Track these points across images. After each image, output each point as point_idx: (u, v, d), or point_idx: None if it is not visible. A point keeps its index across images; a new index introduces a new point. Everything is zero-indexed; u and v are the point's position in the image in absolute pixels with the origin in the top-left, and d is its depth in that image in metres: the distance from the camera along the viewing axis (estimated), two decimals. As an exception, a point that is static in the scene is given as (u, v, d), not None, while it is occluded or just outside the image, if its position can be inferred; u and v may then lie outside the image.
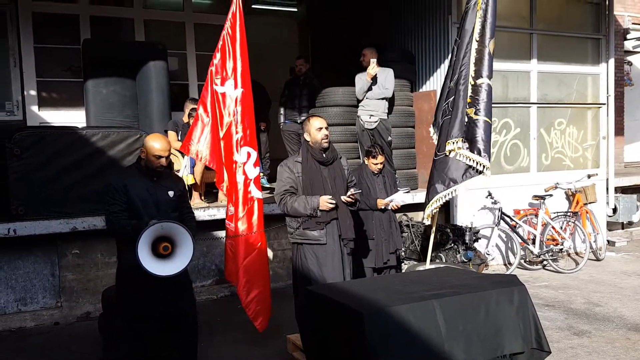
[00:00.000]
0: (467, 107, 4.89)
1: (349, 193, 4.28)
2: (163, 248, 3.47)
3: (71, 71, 7.95)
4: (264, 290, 4.83)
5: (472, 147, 4.84)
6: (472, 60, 4.92)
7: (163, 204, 3.68)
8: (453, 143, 4.89)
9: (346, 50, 7.84)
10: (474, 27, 4.95)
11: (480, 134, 4.82)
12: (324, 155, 4.35)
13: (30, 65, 7.68)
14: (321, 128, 4.30)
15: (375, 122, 6.91)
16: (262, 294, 4.81)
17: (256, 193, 4.76)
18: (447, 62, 7.40)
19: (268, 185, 7.92)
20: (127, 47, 7.61)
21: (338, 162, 4.47)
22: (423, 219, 5.12)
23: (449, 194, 5.01)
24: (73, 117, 7.51)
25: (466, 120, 4.90)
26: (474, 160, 4.84)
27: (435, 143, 5.22)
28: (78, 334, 5.35)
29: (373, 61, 6.72)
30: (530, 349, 3.62)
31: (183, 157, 6.33)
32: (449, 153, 4.91)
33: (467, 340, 3.37)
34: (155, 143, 3.68)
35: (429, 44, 7.80)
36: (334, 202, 4.16)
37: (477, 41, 4.92)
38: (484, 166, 4.83)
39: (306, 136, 4.40)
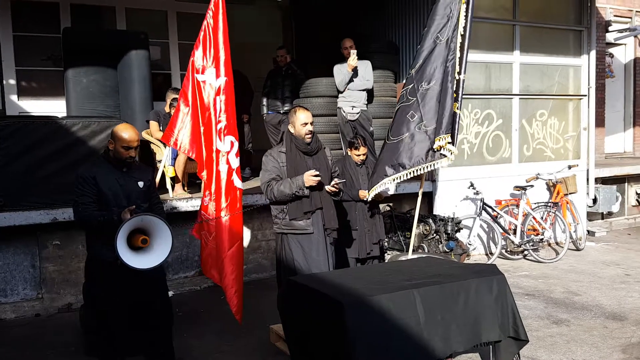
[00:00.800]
0: (454, 102, 4.94)
1: (332, 182, 4.30)
2: (142, 241, 3.45)
3: (51, 60, 7.83)
4: (241, 283, 4.78)
5: (453, 139, 4.89)
6: (458, 55, 4.95)
7: (134, 195, 3.66)
8: (443, 139, 4.92)
9: (330, 41, 7.81)
10: (457, 22, 4.97)
11: (456, 126, 4.91)
12: (308, 146, 4.36)
13: (9, 54, 7.55)
14: (306, 123, 4.31)
15: (357, 113, 6.93)
16: (241, 288, 4.77)
17: (238, 183, 4.73)
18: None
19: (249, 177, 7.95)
20: (108, 35, 7.51)
21: (322, 152, 4.50)
22: (367, 198, 5.13)
23: (397, 178, 5.06)
24: (53, 107, 7.42)
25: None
26: (447, 149, 4.92)
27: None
28: (59, 326, 5.32)
29: (353, 52, 6.72)
30: (507, 337, 3.67)
31: (165, 147, 6.28)
32: (440, 149, 4.95)
33: (446, 329, 3.41)
34: (124, 133, 3.63)
35: (413, 35, 7.81)
36: (318, 174, 4.16)
37: (461, 35, 4.94)
38: (450, 151, 4.90)
39: (290, 127, 4.40)
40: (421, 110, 5.07)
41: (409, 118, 5.10)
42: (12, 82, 7.60)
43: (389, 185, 5.25)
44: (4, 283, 5.61)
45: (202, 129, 4.83)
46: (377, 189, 5.08)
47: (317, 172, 4.18)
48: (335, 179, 4.36)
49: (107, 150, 3.72)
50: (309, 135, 4.34)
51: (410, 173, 5.03)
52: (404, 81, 5.31)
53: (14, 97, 7.62)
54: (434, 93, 5.01)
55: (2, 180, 5.39)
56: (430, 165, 4.99)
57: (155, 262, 3.51)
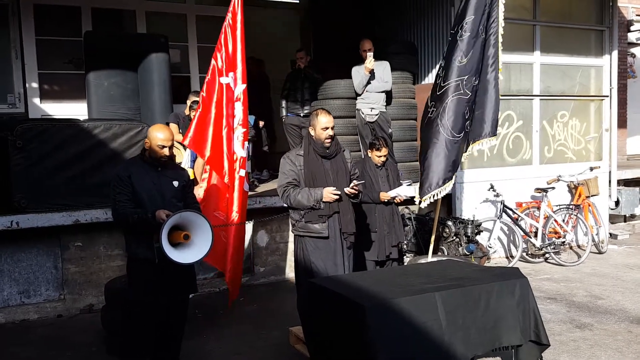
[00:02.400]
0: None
1: (352, 184, 4.27)
2: (184, 236, 3.50)
3: (73, 63, 7.92)
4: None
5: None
6: (499, 54, 5.03)
7: (168, 194, 3.71)
8: (485, 143, 5.18)
9: (348, 42, 7.81)
10: (497, 21, 5.00)
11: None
12: (326, 150, 4.34)
13: (32, 57, 7.65)
14: (327, 128, 4.27)
15: (376, 114, 6.91)
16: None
17: (246, 186, 5.11)
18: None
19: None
20: (129, 39, 7.57)
21: (341, 155, 4.45)
22: (420, 202, 5.22)
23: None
24: (75, 110, 7.49)
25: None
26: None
27: (447, 123, 5.13)
28: (81, 326, 5.38)
29: (370, 54, 6.70)
30: (528, 341, 3.62)
31: (185, 150, 6.32)
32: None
33: (467, 332, 3.38)
34: (159, 133, 3.72)
35: (431, 36, 7.77)
36: (338, 193, 4.15)
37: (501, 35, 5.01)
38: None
39: (310, 130, 4.37)
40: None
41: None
42: (35, 85, 7.71)
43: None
44: (27, 284, 5.69)
45: (222, 131, 4.95)
46: (429, 198, 5.19)
47: (338, 192, 4.15)
48: (354, 181, 4.34)
49: (144, 150, 3.79)
50: (329, 140, 4.30)
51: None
52: (436, 80, 5.33)
53: (37, 100, 7.73)
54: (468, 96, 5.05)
55: (25, 183, 5.46)
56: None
57: (199, 256, 3.59)
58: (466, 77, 5.05)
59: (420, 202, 5.27)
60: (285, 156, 4.46)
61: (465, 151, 5.26)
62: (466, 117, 5.11)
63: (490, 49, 5.09)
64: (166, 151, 3.72)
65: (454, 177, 5.18)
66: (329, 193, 4.13)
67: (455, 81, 5.07)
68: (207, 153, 4.97)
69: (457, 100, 5.07)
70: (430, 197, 5.17)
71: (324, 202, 4.16)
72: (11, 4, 7.59)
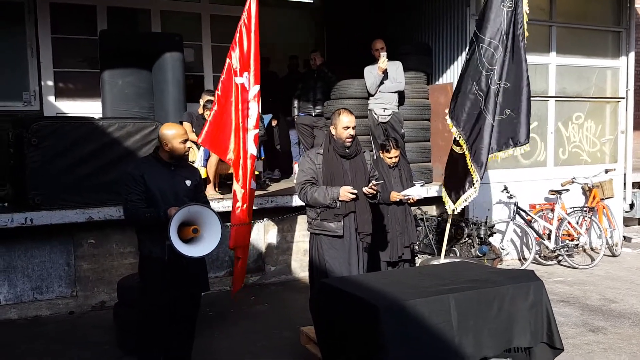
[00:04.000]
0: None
1: (370, 184, 4.26)
2: (193, 230, 3.51)
3: (88, 62, 7.97)
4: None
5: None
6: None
7: (181, 193, 3.72)
8: (518, 150, 5.24)
9: (362, 43, 7.80)
10: (523, 25, 5.05)
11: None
12: (346, 150, 4.33)
13: (47, 55, 7.72)
14: (348, 127, 4.27)
15: (389, 115, 6.89)
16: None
17: (253, 185, 5.19)
18: (464, 54, 7.33)
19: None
20: (144, 38, 7.61)
21: (361, 155, 4.43)
22: (452, 209, 5.39)
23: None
24: (89, 108, 7.55)
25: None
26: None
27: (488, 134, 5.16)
28: (93, 323, 5.41)
29: (383, 54, 6.67)
30: (540, 343, 3.58)
31: (198, 149, 6.35)
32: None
33: (478, 334, 3.35)
34: (177, 129, 3.76)
35: (446, 37, 7.73)
36: (355, 192, 4.14)
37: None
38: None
39: (332, 129, 4.37)
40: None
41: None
42: (50, 83, 7.77)
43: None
44: (40, 280, 5.73)
45: (239, 130, 5.01)
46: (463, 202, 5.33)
47: (355, 191, 4.15)
48: (373, 181, 4.32)
49: (156, 150, 3.80)
50: (350, 140, 4.29)
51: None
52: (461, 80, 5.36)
53: (52, 98, 7.79)
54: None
55: (39, 180, 5.50)
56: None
57: (208, 250, 3.58)
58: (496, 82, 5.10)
59: (453, 209, 5.44)
60: (305, 154, 4.49)
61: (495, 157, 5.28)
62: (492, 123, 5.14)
63: (520, 57, 5.07)
64: (187, 144, 3.78)
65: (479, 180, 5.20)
66: (345, 192, 4.12)
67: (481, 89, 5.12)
68: (231, 155, 5.05)
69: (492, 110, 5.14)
70: (463, 201, 5.32)
71: (340, 201, 4.15)
72: (27, 3, 7.66)
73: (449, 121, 5.37)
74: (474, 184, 5.19)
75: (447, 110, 5.38)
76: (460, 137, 5.25)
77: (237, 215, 5.08)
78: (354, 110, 7.03)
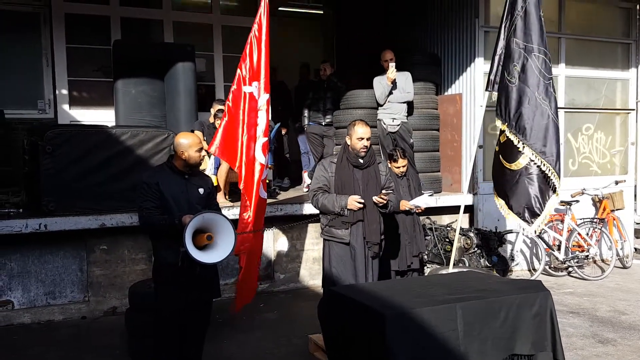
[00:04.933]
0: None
1: (380, 193, 4.30)
2: (207, 237, 3.57)
3: (101, 71, 8.09)
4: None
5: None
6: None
7: (194, 201, 3.78)
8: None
9: (371, 53, 7.86)
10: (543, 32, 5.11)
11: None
12: (360, 160, 4.39)
13: (62, 64, 7.85)
14: (362, 138, 4.34)
15: (398, 125, 6.93)
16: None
17: (263, 193, 5.17)
18: (473, 65, 7.39)
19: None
20: (156, 48, 7.73)
21: (375, 166, 4.48)
22: (537, 228, 5.25)
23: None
24: (103, 116, 7.65)
25: None
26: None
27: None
28: (105, 328, 5.47)
29: (392, 65, 6.73)
30: (540, 352, 3.58)
31: (209, 157, 6.42)
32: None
33: (483, 343, 3.38)
34: (193, 138, 3.83)
35: (455, 48, 7.77)
36: (362, 202, 4.19)
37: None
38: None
39: (347, 139, 4.45)
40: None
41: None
42: (64, 92, 7.89)
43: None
44: (53, 285, 5.81)
45: (244, 139, 5.05)
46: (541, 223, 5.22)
47: (362, 200, 4.20)
48: (384, 190, 4.36)
49: (171, 158, 3.87)
50: (364, 150, 4.36)
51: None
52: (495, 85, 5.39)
53: (66, 107, 7.91)
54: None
55: (53, 186, 5.59)
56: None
57: (222, 256, 3.62)
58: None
59: (532, 228, 5.26)
60: (320, 162, 4.59)
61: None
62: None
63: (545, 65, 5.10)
64: (202, 153, 3.85)
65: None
66: (353, 201, 4.18)
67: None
68: (240, 164, 5.09)
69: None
70: (542, 220, 5.19)
71: (348, 209, 4.20)
72: (43, 13, 7.81)
73: (509, 134, 5.18)
74: (554, 192, 5.11)
75: (504, 126, 5.22)
76: (528, 149, 5.09)
77: (241, 223, 5.13)
78: (363, 120, 7.21)
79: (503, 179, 5.34)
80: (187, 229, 3.43)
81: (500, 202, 5.41)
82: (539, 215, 5.12)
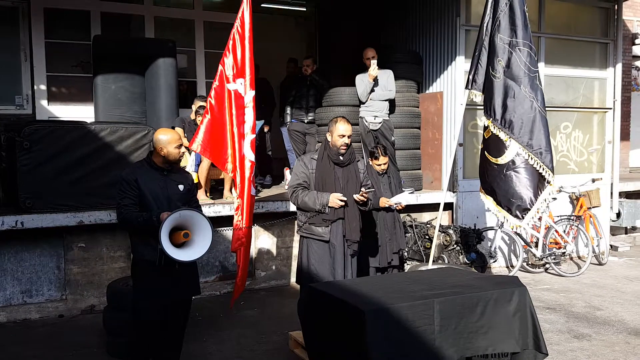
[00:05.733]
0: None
1: (361, 191, 4.32)
2: (184, 235, 3.55)
3: (81, 67, 8.01)
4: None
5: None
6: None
7: (174, 198, 3.77)
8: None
9: (353, 50, 7.88)
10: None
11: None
12: (340, 157, 4.40)
13: (40, 60, 7.74)
14: (343, 135, 4.35)
15: (379, 123, 6.96)
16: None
17: (253, 191, 5.18)
18: (454, 63, 7.44)
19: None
20: (137, 43, 7.66)
21: (355, 164, 4.51)
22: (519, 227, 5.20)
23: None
24: (82, 112, 7.58)
25: None
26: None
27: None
28: (82, 327, 5.42)
29: (374, 62, 6.75)
30: (523, 349, 3.65)
31: (190, 154, 6.39)
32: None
33: (458, 337, 3.42)
34: (172, 135, 3.80)
35: (436, 46, 7.82)
36: (344, 200, 4.21)
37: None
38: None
39: (328, 136, 4.46)
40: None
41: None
42: (43, 87, 7.79)
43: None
44: (30, 284, 5.74)
45: (231, 136, 5.06)
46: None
47: (344, 198, 4.21)
48: (363, 188, 4.39)
49: (150, 154, 3.84)
50: (344, 148, 4.37)
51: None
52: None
53: (44, 102, 7.81)
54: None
55: (31, 183, 5.52)
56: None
57: (199, 254, 3.62)
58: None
59: (524, 223, 5.17)
60: (300, 158, 4.57)
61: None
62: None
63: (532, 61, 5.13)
64: (181, 149, 3.82)
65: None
66: (335, 199, 4.19)
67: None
68: (230, 166, 5.08)
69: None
70: (532, 216, 5.11)
71: (329, 207, 4.22)
72: (22, 7, 7.69)
73: (494, 129, 5.17)
74: (545, 180, 5.06)
75: (489, 121, 5.20)
76: (515, 142, 5.07)
77: (237, 223, 5.13)
78: (344, 118, 7.22)
79: (490, 176, 5.28)
80: (163, 226, 3.42)
81: (488, 200, 5.34)
82: (529, 209, 5.07)
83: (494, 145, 5.21)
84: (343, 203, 4.22)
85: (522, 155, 5.05)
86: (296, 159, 7.62)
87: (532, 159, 5.04)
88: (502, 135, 5.10)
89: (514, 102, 5.07)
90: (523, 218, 5.10)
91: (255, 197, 6.78)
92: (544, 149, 5.05)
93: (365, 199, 4.33)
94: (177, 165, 3.96)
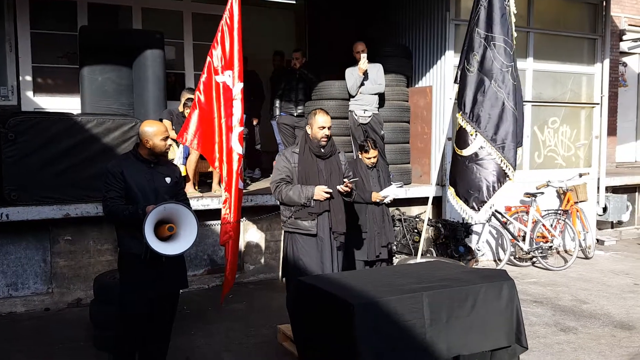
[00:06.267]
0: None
1: (345, 182, 4.31)
2: (168, 228, 3.52)
3: (67, 58, 7.90)
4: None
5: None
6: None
7: (161, 191, 3.73)
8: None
9: (343, 44, 7.85)
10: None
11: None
12: (322, 149, 4.38)
13: (26, 50, 7.63)
14: (323, 127, 4.33)
15: (369, 116, 6.96)
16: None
17: (240, 184, 5.14)
18: (444, 58, 7.44)
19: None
20: (124, 34, 7.56)
21: (336, 156, 4.49)
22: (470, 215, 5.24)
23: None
24: (68, 104, 7.49)
25: None
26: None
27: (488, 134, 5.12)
28: (69, 320, 5.37)
29: (364, 56, 6.74)
30: (514, 343, 3.68)
31: (178, 146, 6.34)
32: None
33: (450, 332, 3.42)
34: (158, 127, 3.76)
35: (426, 40, 7.82)
36: (329, 192, 4.19)
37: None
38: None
39: (308, 128, 4.43)
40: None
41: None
42: (28, 78, 7.69)
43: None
44: (15, 277, 5.68)
45: (219, 129, 5.03)
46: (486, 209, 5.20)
47: (330, 190, 4.20)
48: (346, 179, 4.38)
49: (136, 147, 3.80)
50: (325, 140, 4.35)
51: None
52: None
53: (30, 94, 7.70)
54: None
55: (16, 175, 5.45)
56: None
57: (184, 248, 3.59)
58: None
59: (478, 216, 5.23)
60: (281, 152, 4.52)
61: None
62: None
63: (506, 57, 5.14)
64: (168, 141, 3.79)
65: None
66: (320, 191, 4.18)
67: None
68: (217, 161, 5.04)
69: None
70: (487, 208, 5.16)
71: (314, 199, 4.20)
72: (7, -3, 7.57)
73: (462, 122, 5.21)
74: (506, 174, 5.08)
75: (459, 114, 5.26)
76: (480, 136, 5.13)
77: (225, 216, 5.11)
78: (334, 112, 7.21)
79: (455, 167, 5.37)
80: (147, 219, 3.38)
81: (450, 190, 5.43)
82: (485, 202, 5.11)
83: (462, 138, 5.28)
84: (328, 195, 4.20)
85: (486, 148, 5.10)
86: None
87: (494, 152, 5.08)
88: (469, 128, 5.17)
89: (483, 97, 5.12)
90: (479, 210, 5.15)
91: (244, 191, 6.79)
92: (507, 144, 5.09)
93: (350, 189, 4.33)
94: (164, 157, 3.92)
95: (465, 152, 5.19)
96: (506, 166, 5.06)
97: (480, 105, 5.10)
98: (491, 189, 5.08)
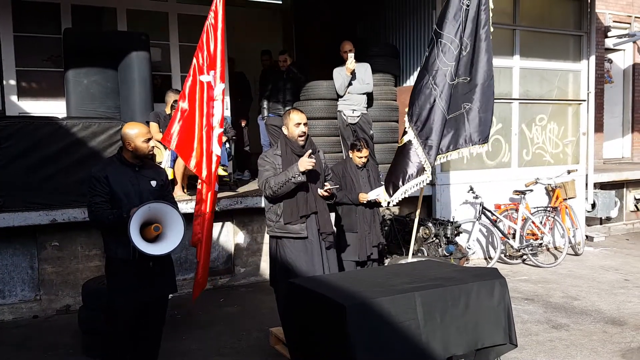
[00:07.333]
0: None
1: (325, 187, 4.29)
2: (154, 228, 3.47)
3: (51, 61, 7.80)
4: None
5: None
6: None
7: (146, 194, 3.67)
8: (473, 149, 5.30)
9: (330, 44, 7.83)
10: (489, 23, 5.18)
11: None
12: (302, 148, 4.34)
13: (9, 54, 7.52)
14: (299, 124, 4.29)
15: (358, 116, 6.94)
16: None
17: (216, 186, 5.18)
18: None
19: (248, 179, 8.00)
20: (109, 36, 7.47)
21: (316, 155, 4.44)
22: (389, 203, 5.26)
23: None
24: (53, 108, 7.38)
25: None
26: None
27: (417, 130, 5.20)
28: (57, 327, 5.30)
29: (351, 55, 6.72)
30: (507, 341, 3.67)
31: (165, 149, 6.28)
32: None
33: (445, 332, 3.40)
34: (140, 129, 3.71)
35: (413, 39, 7.82)
36: (313, 160, 4.13)
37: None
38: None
39: (284, 129, 4.40)
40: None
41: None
42: (12, 82, 7.58)
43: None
44: (2, 284, 5.59)
45: (202, 130, 4.96)
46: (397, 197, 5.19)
47: (313, 159, 4.13)
48: (326, 183, 4.35)
49: (120, 150, 3.74)
50: (302, 137, 4.32)
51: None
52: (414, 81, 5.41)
53: (14, 98, 7.59)
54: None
55: (1, 181, 5.37)
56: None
57: (170, 247, 3.54)
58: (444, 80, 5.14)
59: (388, 203, 5.27)
60: (263, 156, 4.45)
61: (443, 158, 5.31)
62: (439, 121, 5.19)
63: (483, 54, 5.18)
64: (151, 143, 3.73)
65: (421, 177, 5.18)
66: (304, 161, 4.11)
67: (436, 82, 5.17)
68: (193, 162, 4.96)
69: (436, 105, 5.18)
70: (399, 195, 5.20)
71: (302, 171, 4.11)
72: (-12, 0, 7.46)
73: (406, 118, 5.31)
74: (424, 170, 5.13)
75: (406, 109, 5.39)
76: (411, 129, 5.21)
77: (197, 214, 5.09)
78: (323, 112, 7.19)
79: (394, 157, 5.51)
80: (132, 220, 3.34)
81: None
82: (399, 188, 5.18)
83: (403, 129, 5.42)
84: (314, 161, 4.14)
85: (413, 142, 5.19)
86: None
87: (419, 147, 5.16)
88: (406, 120, 5.27)
89: (420, 93, 5.23)
90: (392, 195, 5.23)
91: (235, 193, 6.75)
92: (430, 140, 5.16)
93: (329, 194, 4.32)
94: (149, 160, 3.87)
95: (401, 143, 5.34)
96: (425, 162, 5.12)
97: (416, 101, 5.24)
98: (407, 177, 5.17)
